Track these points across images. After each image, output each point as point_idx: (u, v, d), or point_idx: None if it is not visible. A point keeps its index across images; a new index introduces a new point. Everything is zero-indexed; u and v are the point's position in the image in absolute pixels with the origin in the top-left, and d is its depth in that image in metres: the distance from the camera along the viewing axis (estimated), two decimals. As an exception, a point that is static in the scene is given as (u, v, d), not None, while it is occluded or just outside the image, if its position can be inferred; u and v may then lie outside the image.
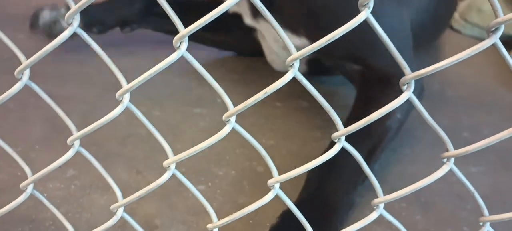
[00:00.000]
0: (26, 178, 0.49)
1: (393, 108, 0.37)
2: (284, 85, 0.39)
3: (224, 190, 0.87)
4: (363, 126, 0.40)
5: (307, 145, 1.02)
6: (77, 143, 0.45)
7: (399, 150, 1.03)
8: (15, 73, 0.42)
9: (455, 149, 0.42)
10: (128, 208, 0.54)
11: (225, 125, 0.42)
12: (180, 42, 0.39)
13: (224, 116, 0.42)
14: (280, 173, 0.45)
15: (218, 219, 0.49)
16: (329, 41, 0.36)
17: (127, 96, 0.42)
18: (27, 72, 0.42)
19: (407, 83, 0.38)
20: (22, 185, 0.47)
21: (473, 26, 1.53)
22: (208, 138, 0.42)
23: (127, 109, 0.42)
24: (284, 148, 1.00)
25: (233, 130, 0.42)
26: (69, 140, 0.45)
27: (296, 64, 0.39)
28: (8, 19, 1.41)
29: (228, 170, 0.92)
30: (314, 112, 1.11)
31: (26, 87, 0.43)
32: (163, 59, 0.40)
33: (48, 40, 1.32)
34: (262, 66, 1.31)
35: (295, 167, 0.95)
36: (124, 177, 0.88)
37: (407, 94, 0.38)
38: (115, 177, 0.89)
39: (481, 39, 1.49)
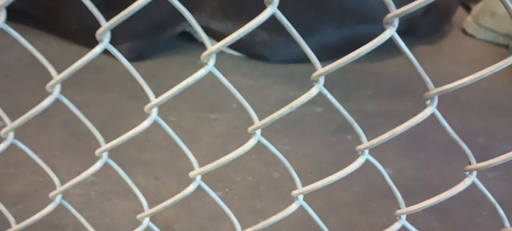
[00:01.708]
0: (47, 182, 0.51)
1: (417, 122, 0.38)
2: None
3: (241, 195, 0.88)
4: (387, 140, 0.40)
5: (322, 150, 1.03)
6: (105, 155, 0.46)
7: (413, 155, 1.03)
8: (47, 87, 0.43)
9: (469, 150, 0.42)
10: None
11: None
12: (208, 59, 0.40)
13: (249, 129, 0.43)
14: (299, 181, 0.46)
15: (239, 225, 0.50)
16: (354, 58, 0.37)
17: (155, 110, 0.43)
18: (58, 87, 0.44)
19: (431, 99, 0.39)
20: (51, 195, 0.49)
21: (487, 30, 1.53)
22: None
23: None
24: (299, 153, 1.01)
25: (248, 135, 0.43)
26: (97, 152, 0.46)
27: (321, 80, 0.40)
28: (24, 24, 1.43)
29: (245, 176, 0.93)
30: (328, 118, 1.12)
31: (45, 93, 0.44)
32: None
33: (67, 46, 1.34)
34: (277, 71, 1.33)
35: (311, 172, 0.97)
36: (143, 182, 0.89)
37: (431, 109, 0.38)
38: (134, 183, 0.91)
39: (495, 44, 1.51)
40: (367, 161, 0.45)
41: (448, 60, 1.46)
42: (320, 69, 0.38)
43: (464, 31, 1.59)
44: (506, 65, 0.36)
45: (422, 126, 1.16)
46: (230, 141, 1.02)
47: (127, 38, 1.26)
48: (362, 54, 0.36)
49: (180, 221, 0.82)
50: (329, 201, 0.88)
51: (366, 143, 0.40)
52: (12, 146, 0.90)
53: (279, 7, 0.37)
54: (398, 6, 0.36)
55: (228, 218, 0.53)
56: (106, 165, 0.96)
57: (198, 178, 0.45)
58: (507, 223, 0.45)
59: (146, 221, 0.48)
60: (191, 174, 0.45)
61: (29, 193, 0.85)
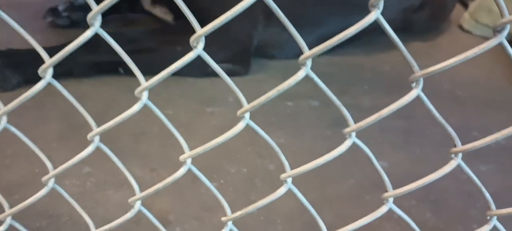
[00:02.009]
0: (44, 174, 0.51)
1: (403, 104, 0.39)
2: (295, 84, 0.40)
3: (236, 187, 0.89)
4: (374, 122, 0.41)
5: (317, 143, 1.03)
6: (97, 138, 0.47)
7: (409, 149, 1.04)
8: (39, 72, 0.44)
9: (454, 133, 0.43)
10: (142, 204, 0.56)
11: (237, 123, 0.43)
12: (197, 42, 0.40)
13: (238, 112, 0.43)
14: (292, 169, 0.47)
15: (228, 208, 0.51)
16: (340, 40, 0.38)
17: (145, 94, 0.43)
18: (50, 71, 0.44)
19: (416, 81, 0.39)
20: (43, 179, 0.49)
21: (483, 26, 1.53)
22: (218, 134, 0.44)
23: (142, 107, 0.44)
24: (295, 146, 1.02)
25: (246, 128, 0.43)
26: (89, 136, 0.47)
27: (309, 63, 0.40)
28: (24, 15, 1.45)
29: (240, 168, 0.94)
30: (324, 112, 1.12)
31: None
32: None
33: (63, 37, 1.36)
34: (273, 65, 1.33)
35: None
36: (139, 174, 0.90)
37: (416, 91, 0.39)
38: (128, 172, 0.92)
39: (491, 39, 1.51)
40: (361, 154, 0.45)
41: (444, 56, 1.43)
42: (307, 52, 0.39)
43: (461, 28, 1.60)
44: (489, 47, 0.36)
45: (416, 121, 1.18)
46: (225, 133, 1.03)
47: None
48: (348, 36, 0.37)
49: (175, 211, 0.82)
50: (323, 194, 0.89)
51: (353, 126, 0.41)
52: (8, 138, 0.91)
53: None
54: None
55: (222, 209, 0.54)
56: (102, 157, 0.96)
57: (189, 161, 0.46)
58: (493, 206, 0.46)
59: (138, 205, 0.49)
60: (182, 157, 0.46)
61: (25, 183, 0.86)
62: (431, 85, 0.94)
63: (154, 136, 1.00)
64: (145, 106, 0.45)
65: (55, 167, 0.52)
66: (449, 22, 1.67)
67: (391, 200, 0.45)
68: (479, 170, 0.97)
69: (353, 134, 0.42)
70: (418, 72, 0.38)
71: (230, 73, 1.19)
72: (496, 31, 0.36)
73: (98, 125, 0.49)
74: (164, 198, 0.84)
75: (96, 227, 0.58)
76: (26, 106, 1.07)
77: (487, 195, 0.45)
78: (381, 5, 0.37)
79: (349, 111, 0.45)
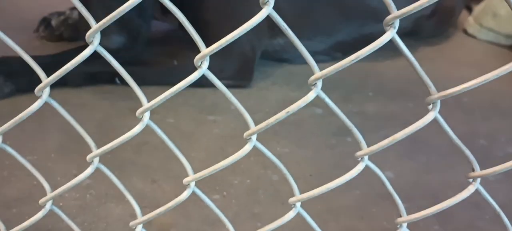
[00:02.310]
0: (42, 187, 0.49)
1: (419, 128, 0.37)
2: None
3: (239, 199, 0.87)
4: (387, 145, 0.39)
5: (322, 152, 1.01)
6: (96, 160, 0.45)
7: (415, 158, 1.02)
8: (35, 91, 0.42)
9: (472, 156, 0.41)
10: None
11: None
12: (201, 62, 0.39)
13: (245, 134, 0.41)
14: (298, 184, 0.45)
15: (234, 219, 0.49)
16: (354, 61, 0.36)
17: (147, 115, 0.42)
18: (47, 90, 0.42)
19: (433, 103, 0.37)
20: (41, 201, 0.47)
21: (488, 30, 1.51)
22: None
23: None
24: (299, 155, 1.00)
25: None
26: (88, 157, 0.45)
27: (319, 84, 0.38)
28: (22, 23, 1.42)
29: (243, 179, 0.92)
30: (328, 120, 1.10)
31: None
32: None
33: (60, 47, 1.33)
34: (276, 72, 1.31)
35: (310, 175, 0.96)
36: (140, 186, 0.88)
37: (433, 114, 0.37)
38: (130, 186, 0.89)
39: (496, 44, 1.50)
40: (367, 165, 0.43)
41: (449, 62, 1.44)
42: (318, 73, 0.37)
43: (465, 32, 1.58)
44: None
45: (424, 129, 1.15)
46: (229, 144, 1.01)
47: None
48: (362, 57, 0.35)
49: (177, 225, 0.80)
50: (329, 206, 0.87)
51: (365, 149, 0.39)
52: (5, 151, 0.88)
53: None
54: (402, 6, 0.34)
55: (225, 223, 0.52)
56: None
57: (192, 184, 0.44)
58: (511, 229, 0.44)
59: (139, 228, 0.47)
60: (185, 180, 0.44)
61: (23, 197, 0.84)
62: (436, 90, 0.92)
63: (155, 146, 0.98)
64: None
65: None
66: (454, 27, 1.65)
67: (404, 225, 0.43)
68: (488, 180, 0.95)
69: (366, 157, 0.40)
70: (435, 94, 0.36)
71: (232, 87, 1.17)
72: None
73: (98, 136, 0.47)
74: (166, 212, 0.82)
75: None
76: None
77: (506, 219, 0.43)
78: (397, 24, 0.35)
79: (353, 119, 0.43)
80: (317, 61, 0.38)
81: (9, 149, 0.46)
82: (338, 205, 0.87)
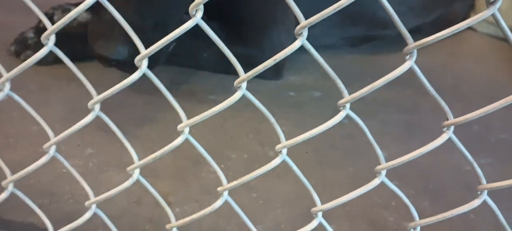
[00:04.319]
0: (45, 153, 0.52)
1: (396, 75, 0.40)
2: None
3: (236, 172, 0.90)
4: (367, 93, 0.42)
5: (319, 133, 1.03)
6: (97, 106, 0.48)
7: (410, 142, 1.04)
8: (41, 38, 0.45)
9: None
10: (143, 186, 0.57)
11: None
12: (196, 10, 0.41)
13: (235, 82, 0.44)
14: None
15: (229, 193, 0.52)
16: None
17: (145, 62, 0.44)
18: (52, 38, 0.45)
19: (410, 53, 0.40)
20: (45, 146, 0.51)
21: (488, 23, 1.53)
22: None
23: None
24: (296, 134, 1.01)
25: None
26: (89, 104, 0.48)
27: (305, 33, 0.41)
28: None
29: (240, 154, 0.95)
30: (326, 103, 1.13)
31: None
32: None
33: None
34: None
35: (306, 152, 0.98)
36: (141, 157, 0.90)
37: (409, 63, 0.39)
38: (131, 158, 0.92)
39: (496, 37, 1.51)
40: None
41: (448, 53, 1.46)
42: (347, 97, 0.40)
43: (466, 25, 1.60)
44: (485, 17, 0.37)
45: (418, 115, 1.18)
46: (228, 121, 1.04)
47: None
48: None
49: (175, 194, 0.83)
50: (323, 181, 0.89)
51: (347, 97, 0.42)
52: (12, 119, 0.92)
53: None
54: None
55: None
56: (105, 139, 0.97)
57: (186, 130, 0.46)
58: (483, 180, 0.46)
59: (136, 173, 0.50)
60: (179, 126, 0.47)
61: (27, 163, 0.85)
62: (435, 80, 0.95)
63: (157, 121, 1.01)
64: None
65: (59, 148, 0.53)
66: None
67: (383, 172, 0.45)
68: (479, 163, 0.96)
69: (347, 106, 0.43)
70: (412, 44, 0.39)
71: (266, 79, 1.21)
72: (489, 3, 0.37)
73: (101, 108, 0.50)
74: (165, 181, 0.85)
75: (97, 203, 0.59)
76: (30, 89, 1.09)
77: (479, 170, 0.45)
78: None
79: (351, 104, 0.46)
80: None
81: (16, 97, 0.49)
82: (332, 181, 0.90)
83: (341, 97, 0.43)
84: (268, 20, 1.16)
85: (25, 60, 1.10)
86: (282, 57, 0.42)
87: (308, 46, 0.42)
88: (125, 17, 0.42)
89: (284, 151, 0.46)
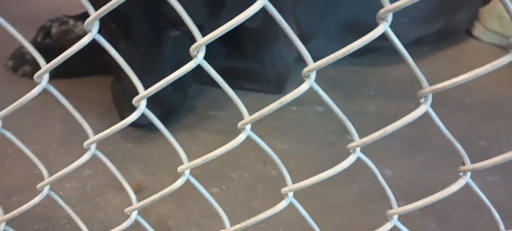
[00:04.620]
0: (43, 177, 0.50)
1: (410, 121, 0.37)
2: (297, 86, 0.39)
3: (237, 193, 0.88)
4: (379, 138, 0.39)
5: (322, 150, 1.01)
6: (93, 146, 0.45)
7: (414, 157, 1.02)
8: (34, 77, 0.43)
9: (472, 157, 0.41)
10: (142, 209, 0.55)
11: (241, 128, 0.42)
12: (198, 51, 0.39)
13: (239, 124, 0.42)
14: (293, 179, 0.45)
15: (231, 223, 0.50)
16: (346, 53, 0.37)
17: (143, 103, 0.42)
18: (46, 77, 0.43)
19: (425, 97, 0.38)
20: (38, 186, 0.48)
21: (493, 33, 1.51)
22: (223, 141, 0.43)
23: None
24: (299, 152, 1.00)
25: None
26: (85, 144, 0.45)
27: (313, 75, 0.39)
28: (29, 18, 1.43)
29: (242, 173, 0.92)
30: (329, 117, 1.11)
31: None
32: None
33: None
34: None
35: (309, 171, 0.96)
36: (139, 177, 0.88)
37: (424, 107, 0.37)
38: (130, 178, 0.90)
39: (501, 47, 1.49)
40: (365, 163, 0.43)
41: (452, 63, 1.44)
42: (311, 65, 0.37)
43: (470, 34, 1.57)
44: (504, 63, 0.34)
45: (424, 128, 1.16)
46: (230, 139, 1.00)
47: None
48: (354, 49, 0.36)
49: (175, 217, 0.81)
50: (326, 202, 0.87)
51: (357, 141, 0.39)
52: (7, 139, 0.90)
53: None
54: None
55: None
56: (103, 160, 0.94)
57: (187, 172, 0.44)
58: (502, 226, 0.44)
59: (134, 214, 0.47)
60: (180, 168, 0.44)
61: (24, 186, 0.85)
62: (439, 92, 0.93)
63: (156, 140, 0.98)
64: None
65: (55, 170, 0.51)
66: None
67: (395, 217, 0.43)
68: (486, 180, 0.95)
69: (358, 149, 0.40)
70: (427, 88, 0.37)
71: (269, 93, 1.20)
72: (510, 47, 0.35)
73: (100, 129, 0.48)
74: (164, 204, 0.83)
75: (93, 235, 0.56)
76: (27, 107, 1.05)
77: (496, 214, 0.43)
78: (390, 18, 0.35)
79: (354, 118, 0.43)
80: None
81: (8, 134, 0.47)
82: (335, 202, 0.87)
83: (345, 112, 0.41)
84: (269, 34, 1.14)
85: (22, 75, 1.13)
86: (288, 100, 0.39)
87: (316, 87, 0.39)
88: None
89: (290, 194, 0.44)
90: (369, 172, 1.00)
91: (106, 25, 0.95)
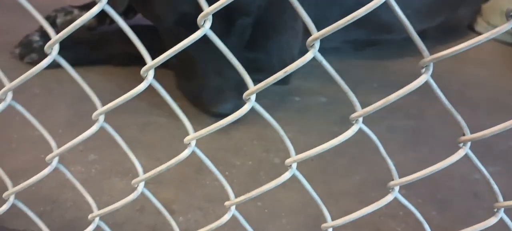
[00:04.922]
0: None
1: (411, 89, 0.38)
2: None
3: (241, 179, 0.88)
4: (380, 107, 0.40)
5: (324, 139, 1.00)
6: (101, 117, 0.46)
7: (417, 149, 1.03)
8: (45, 48, 0.44)
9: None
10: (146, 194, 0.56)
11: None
12: (204, 21, 0.40)
13: (244, 95, 0.43)
14: (297, 169, 0.46)
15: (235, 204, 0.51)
16: (351, 20, 0.37)
17: (151, 73, 0.43)
18: (56, 47, 0.44)
19: (426, 66, 0.39)
20: (47, 157, 0.49)
21: (495, 28, 1.52)
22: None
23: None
24: (302, 141, 1.01)
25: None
26: (94, 115, 0.46)
27: (317, 45, 0.39)
28: (35, 7, 1.44)
29: (245, 161, 0.93)
30: (332, 108, 1.12)
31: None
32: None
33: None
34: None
35: (312, 160, 0.97)
36: (144, 163, 0.88)
37: (425, 77, 0.38)
38: (134, 164, 0.91)
39: (504, 42, 1.50)
40: (367, 151, 0.44)
41: (455, 59, 1.44)
42: (315, 33, 0.38)
43: (472, 29, 1.58)
44: (502, 31, 0.35)
45: (427, 121, 1.16)
46: (233, 127, 1.02)
47: None
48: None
49: (179, 201, 0.82)
50: (329, 190, 0.88)
51: (359, 111, 0.40)
52: (15, 123, 0.91)
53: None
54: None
55: (226, 200, 0.53)
56: (108, 145, 0.96)
57: (193, 143, 0.45)
58: (500, 198, 0.45)
59: (141, 186, 0.48)
60: (186, 139, 0.45)
61: (30, 168, 0.86)
62: (441, 86, 0.93)
63: (161, 126, 0.99)
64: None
65: (61, 153, 0.52)
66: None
67: (396, 188, 0.44)
68: (487, 171, 0.95)
69: (360, 119, 0.41)
70: (428, 57, 0.37)
71: (276, 84, 1.20)
72: (509, 16, 0.35)
73: (106, 113, 0.49)
74: (168, 188, 0.84)
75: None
76: (33, 93, 1.08)
77: (495, 186, 0.44)
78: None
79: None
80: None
81: (19, 106, 0.48)
82: (338, 190, 0.88)
83: (348, 103, 0.42)
84: (277, 25, 1.15)
85: (29, 63, 1.14)
86: (294, 68, 0.40)
87: (320, 57, 0.40)
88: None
89: (294, 165, 0.45)
90: (371, 161, 1.01)
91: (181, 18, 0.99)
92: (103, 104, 0.47)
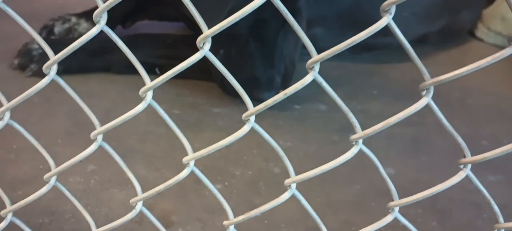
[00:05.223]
0: (48, 170, 0.51)
1: (412, 112, 0.38)
2: (303, 88, 0.40)
3: (240, 189, 0.88)
4: (381, 129, 0.40)
5: (324, 148, 1.02)
6: (100, 137, 0.46)
7: (417, 157, 1.02)
8: (43, 68, 0.44)
9: (464, 143, 0.42)
10: (145, 204, 0.55)
11: (244, 124, 0.43)
12: (204, 42, 0.40)
13: (243, 115, 0.42)
14: (297, 174, 0.46)
15: (234, 217, 0.50)
16: (349, 45, 0.37)
17: (150, 94, 0.43)
18: (54, 68, 0.44)
19: (426, 89, 0.38)
20: (45, 176, 0.49)
21: (496, 34, 1.51)
22: (226, 137, 0.43)
23: (148, 106, 0.43)
24: (301, 150, 1.01)
25: (251, 130, 0.42)
26: (92, 134, 0.46)
27: (316, 67, 0.39)
28: (34, 13, 1.44)
29: (245, 170, 0.93)
30: (332, 116, 1.11)
31: (51, 82, 0.45)
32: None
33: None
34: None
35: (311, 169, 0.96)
36: (143, 173, 0.89)
37: (426, 100, 0.38)
38: (133, 173, 0.90)
39: (504, 48, 1.48)
40: (367, 160, 0.44)
41: (455, 64, 1.43)
42: (315, 56, 0.38)
43: (473, 35, 1.58)
44: (503, 56, 0.35)
45: (427, 128, 1.16)
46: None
47: None
48: (358, 41, 0.36)
49: (178, 212, 0.82)
50: (328, 200, 0.88)
51: (359, 133, 0.40)
52: (14, 133, 0.91)
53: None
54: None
55: (225, 212, 0.53)
56: (107, 155, 0.96)
57: (192, 163, 0.45)
58: (501, 219, 0.45)
59: (139, 205, 0.48)
60: (185, 159, 0.45)
61: (29, 179, 0.85)
62: (441, 92, 0.94)
63: (160, 136, 0.99)
64: (152, 106, 0.44)
65: (60, 163, 0.52)
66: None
67: (396, 209, 0.44)
68: (488, 180, 0.96)
69: (360, 141, 0.41)
70: (429, 80, 0.37)
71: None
72: (511, 40, 0.35)
73: (104, 123, 0.48)
74: (168, 199, 0.83)
75: (98, 226, 0.57)
76: (32, 102, 1.08)
77: (496, 207, 0.44)
78: (393, 10, 0.36)
79: (357, 117, 0.44)
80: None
81: (16, 125, 0.48)
82: (337, 199, 0.88)
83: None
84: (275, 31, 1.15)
85: (29, 75, 1.13)
86: (292, 91, 0.40)
87: (320, 79, 0.40)
88: None
89: (293, 185, 0.44)
90: (370, 171, 1.00)
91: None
92: (103, 110, 0.46)
